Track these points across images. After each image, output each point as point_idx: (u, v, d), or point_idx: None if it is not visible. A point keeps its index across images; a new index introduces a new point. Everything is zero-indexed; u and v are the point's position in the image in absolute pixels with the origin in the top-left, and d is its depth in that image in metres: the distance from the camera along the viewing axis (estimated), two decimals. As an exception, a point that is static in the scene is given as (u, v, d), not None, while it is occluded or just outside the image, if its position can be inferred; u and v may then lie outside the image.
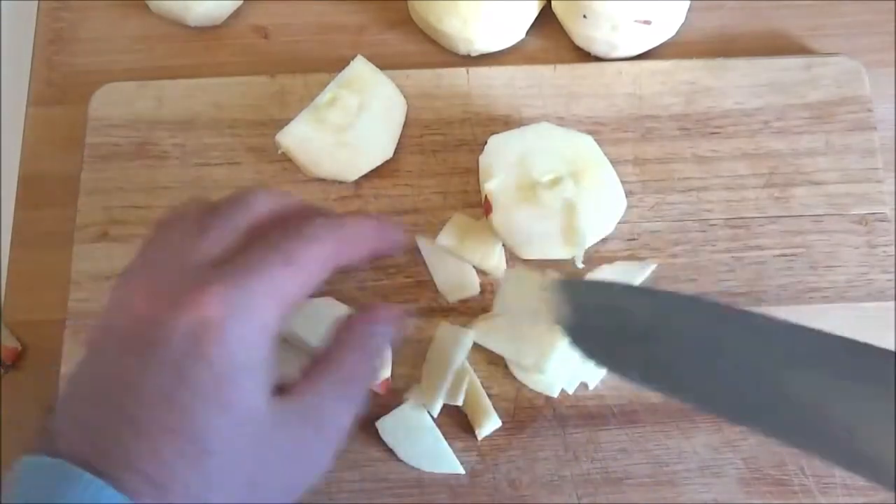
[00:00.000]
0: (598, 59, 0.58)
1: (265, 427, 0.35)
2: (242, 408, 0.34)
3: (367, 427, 0.50)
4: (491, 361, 0.51)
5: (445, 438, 0.49)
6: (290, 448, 0.36)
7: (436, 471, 0.49)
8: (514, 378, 0.51)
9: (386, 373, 0.49)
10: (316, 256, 0.38)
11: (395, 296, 0.52)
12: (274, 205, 0.40)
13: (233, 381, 0.34)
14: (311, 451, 0.37)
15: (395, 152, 0.54)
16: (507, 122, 0.55)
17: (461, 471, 0.49)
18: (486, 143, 0.51)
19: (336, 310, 0.49)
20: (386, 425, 0.49)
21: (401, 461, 0.49)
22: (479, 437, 0.50)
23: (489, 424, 0.49)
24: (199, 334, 0.34)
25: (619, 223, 0.52)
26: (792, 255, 0.53)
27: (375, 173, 0.54)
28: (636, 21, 0.55)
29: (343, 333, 0.40)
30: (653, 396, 0.50)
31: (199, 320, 0.34)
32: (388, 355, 0.49)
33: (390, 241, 0.43)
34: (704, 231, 0.54)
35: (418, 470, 0.49)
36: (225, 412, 0.34)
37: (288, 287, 0.36)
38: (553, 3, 0.57)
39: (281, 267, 0.36)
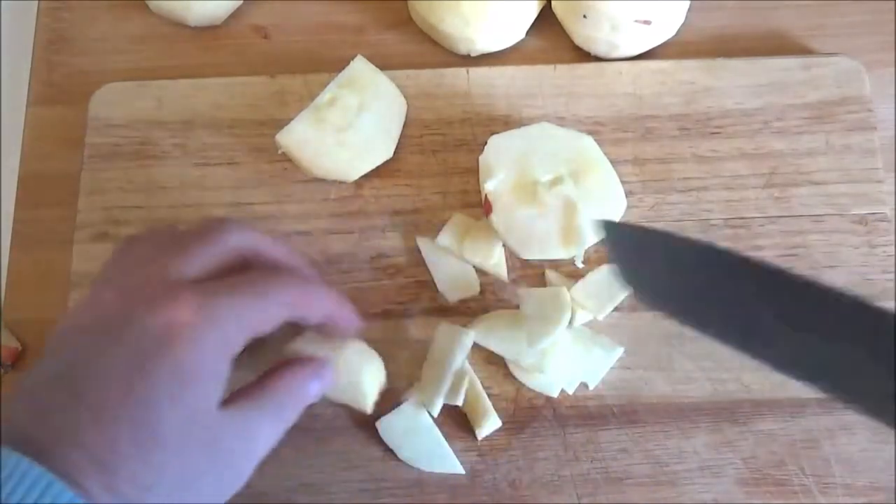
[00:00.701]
0: (598, 59, 0.58)
1: (212, 431, 0.37)
2: (197, 409, 0.36)
3: (367, 427, 0.50)
4: (491, 361, 0.51)
5: (445, 438, 0.49)
6: (227, 453, 0.38)
7: (436, 471, 0.49)
8: (514, 378, 0.51)
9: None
10: (282, 299, 0.40)
11: (396, 296, 0.52)
12: (248, 242, 0.42)
13: (194, 384, 0.36)
14: (243, 458, 0.39)
15: (395, 152, 0.54)
16: (507, 122, 0.55)
17: (461, 471, 0.49)
18: (486, 143, 0.51)
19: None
20: (386, 425, 0.49)
21: (401, 461, 0.49)
22: (479, 437, 0.50)
23: (489, 424, 0.49)
24: (170, 335, 0.36)
25: (619, 223, 0.51)
26: (792, 255, 0.53)
27: (375, 173, 0.54)
28: (636, 21, 0.55)
29: (281, 367, 0.43)
30: (653, 396, 0.50)
31: (171, 321, 0.36)
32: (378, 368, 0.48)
33: (346, 319, 0.44)
34: (704, 231, 0.54)
35: (418, 470, 0.49)
36: (181, 410, 0.36)
37: (255, 316, 0.39)
38: (553, 3, 0.58)
39: (251, 297, 0.39)
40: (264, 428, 0.40)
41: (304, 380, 0.43)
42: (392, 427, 0.49)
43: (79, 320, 0.38)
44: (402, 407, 0.50)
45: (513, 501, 0.49)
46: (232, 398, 0.39)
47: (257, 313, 0.39)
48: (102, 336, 0.36)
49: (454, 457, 0.49)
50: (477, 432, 0.50)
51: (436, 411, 0.49)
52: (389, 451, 0.50)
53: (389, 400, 0.50)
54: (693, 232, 0.54)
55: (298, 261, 0.45)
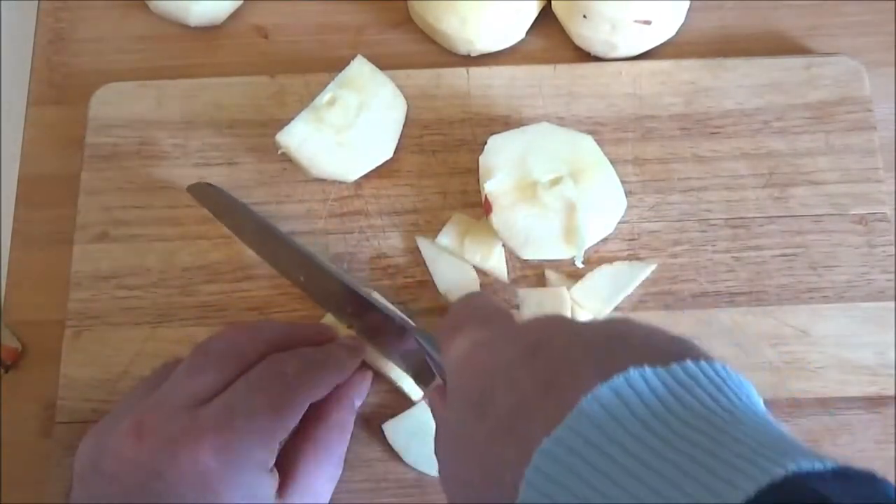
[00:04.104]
0: (597, 59, 0.58)
1: None
2: None
3: (368, 428, 0.49)
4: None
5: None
6: None
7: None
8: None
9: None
10: (300, 403, 0.41)
11: (396, 296, 0.52)
12: (266, 347, 0.43)
13: None
14: None
15: (395, 152, 0.54)
16: (507, 123, 0.54)
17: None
18: (486, 143, 0.51)
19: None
20: (393, 428, 0.49)
21: (401, 461, 0.49)
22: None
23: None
24: (202, 484, 0.37)
25: (619, 223, 0.52)
26: (792, 255, 0.53)
27: (375, 173, 0.53)
28: (636, 21, 0.55)
29: (318, 410, 0.44)
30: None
31: (198, 471, 0.37)
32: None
33: (360, 388, 0.48)
34: (704, 231, 0.54)
35: (418, 471, 0.49)
36: None
37: (275, 430, 0.40)
38: (553, 3, 0.57)
39: (268, 413, 0.40)
40: (325, 485, 0.44)
41: (348, 411, 0.45)
42: (399, 430, 0.49)
43: (102, 464, 0.38)
44: (409, 410, 0.49)
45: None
46: (286, 471, 0.42)
47: (277, 426, 0.40)
48: (140, 492, 0.37)
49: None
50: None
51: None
52: (391, 452, 0.49)
53: (393, 402, 0.49)
54: (693, 232, 0.54)
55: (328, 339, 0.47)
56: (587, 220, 0.49)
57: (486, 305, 0.36)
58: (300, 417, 0.42)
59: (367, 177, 0.53)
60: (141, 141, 0.55)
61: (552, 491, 0.23)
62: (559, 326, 0.30)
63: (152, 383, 0.43)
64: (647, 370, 0.24)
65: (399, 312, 0.47)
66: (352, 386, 0.47)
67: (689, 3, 0.57)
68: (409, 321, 0.47)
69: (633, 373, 0.24)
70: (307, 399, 0.42)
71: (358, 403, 0.48)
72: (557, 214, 0.49)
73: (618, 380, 0.24)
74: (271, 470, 0.40)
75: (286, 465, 0.42)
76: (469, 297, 0.38)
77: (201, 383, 0.40)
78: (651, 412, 0.23)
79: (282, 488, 0.41)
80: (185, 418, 0.38)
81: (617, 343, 0.27)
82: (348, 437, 0.46)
